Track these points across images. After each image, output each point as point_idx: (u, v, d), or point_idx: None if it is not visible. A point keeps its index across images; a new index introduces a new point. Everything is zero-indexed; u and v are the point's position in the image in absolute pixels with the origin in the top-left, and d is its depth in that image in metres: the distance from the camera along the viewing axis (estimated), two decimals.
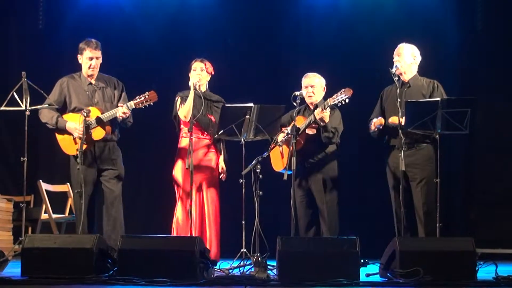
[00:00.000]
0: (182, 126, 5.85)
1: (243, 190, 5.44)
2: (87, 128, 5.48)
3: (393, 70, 5.56)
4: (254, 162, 5.40)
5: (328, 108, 5.66)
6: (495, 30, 7.94)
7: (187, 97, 5.74)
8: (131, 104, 5.55)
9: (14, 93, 5.43)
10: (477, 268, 4.44)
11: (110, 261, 4.57)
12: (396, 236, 5.31)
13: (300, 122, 5.84)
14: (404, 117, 5.40)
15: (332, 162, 5.95)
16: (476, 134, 7.17)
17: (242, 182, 5.45)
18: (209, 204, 5.73)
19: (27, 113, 5.48)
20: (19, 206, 6.21)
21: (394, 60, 5.77)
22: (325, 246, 4.54)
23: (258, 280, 4.44)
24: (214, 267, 4.98)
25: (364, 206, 7.64)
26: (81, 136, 5.42)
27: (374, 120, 5.78)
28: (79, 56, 5.75)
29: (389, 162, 5.79)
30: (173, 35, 8.21)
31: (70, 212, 7.46)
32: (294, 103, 5.56)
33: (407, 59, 5.77)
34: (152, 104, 5.56)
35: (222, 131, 5.47)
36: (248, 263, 5.15)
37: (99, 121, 5.52)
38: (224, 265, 5.30)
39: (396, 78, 5.55)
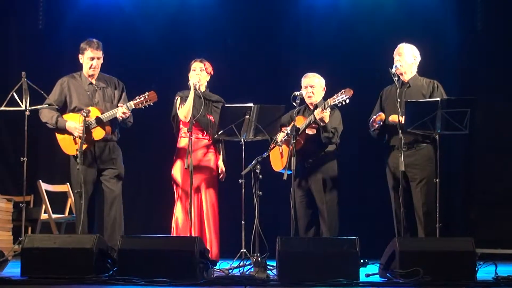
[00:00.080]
0: (181, 126, 5.85)
1: (243, 190, 5.44)
2: (87, 128, 5.48)
3: (393, 70, 5.56)
4: (254, 162, 5.40)
5: (328, 108, 5.66)
6: (495, 30, 7.93)
7: (187, 97, 5.74)
8: (131, 104, 5.55)
9: (14, 93, 5.44)
10: (477, 268, 4.44)
11: (110, 261, 4.57)
12: (396, 236, 5.31)
13: (300, 122, 5.84)
14: (404, 117, 5.40)
15: (332, 162, 5.95)
16: (476, 134, 7.16)
17: (241, 182, 5.45)
18: (208, 205, 5.73)
19: (27, 113, 5.48)
20: (19, 206, 6.22)
21: (394, 60, 5.77)
22: (325, 246, 4.54)
23: (258, 280, 4.44)
24: (214, 267, 4.99)
25: (364, 206, 7.64)
26: (81, 135, 5.42)
27: (374, 116, 5.77)
28: (80, 56, 5.75)
29: (389, 162, 5.79)
30: (173, 35, 8.21)
31: (70, 212, 7.46)
32: (294, 103, 5.56)
33: (408, 59, 5.77)
34: (152, 104, 5.56)
35: (221, 131, 5.47)
36: (248, 263, 5.16)
37: (99, 121, 5.52)
38: (224, 265, 5.30)
39: (396, 78, 5.55)
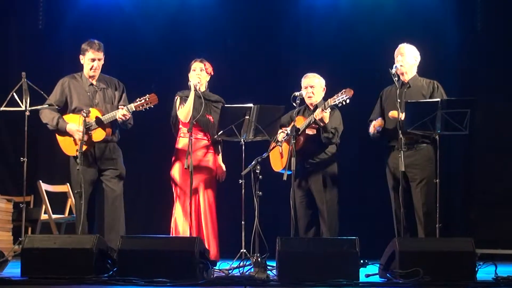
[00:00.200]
0: (180, 126, 5.85)
1: (243, 190, 5.44)
2: (88, 129, 5.48)
3: (393, 70, 5.56)
4: (253, 162, 5.40)
5: (328, 108, 5.66)
6: (495, 30, 7.93)
7: (186, 97, 5.74)
8: (132, 106, 5.55)
9: (14, 94, 5.44)
10: (476, 269, 4.44)
11: (110, 261, 4.57)
12: (396, 237, 5.30)
13: (300, 122, 5.84)
14: (403, 115, 5.40)
15: (332, 162, 5.95)
16: (476, 134, 7.17)
17: (241, 182, 5.45)
18: (206, 205, 5.73)
19: (27, 113, 5.48)
20: (19, 207, 6.22)
21: (396, 59, 5.77)
22: (325, 246, 4.54)
23: (258, 281, 4.44)
24: (214, 267, 4.99)
25: (364, 207, 7.64)
26: (81, 137, 5.41)
27: (374, 122, 5.77)
28: (81, 57, 5.75)
29: (389, 162, 5.79)
30: (173, 35, 8.21)
31: (70, 212, 7.46)
32: (294, 104, 5.56)
33: (409, 60, 5.77)
34: (152, 106, 5.57)
35: (221, 131, 5.47)
36: (247, 263, 5.16)
37: (99, 122, 5.52)
38: (223, 266, 5.30)
39: (396, 78, 5.55)
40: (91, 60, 5.68)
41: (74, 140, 5.57)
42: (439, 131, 5.30)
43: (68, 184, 6.98)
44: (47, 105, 5.64)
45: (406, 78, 5.79)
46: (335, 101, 5.58)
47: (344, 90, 5.54)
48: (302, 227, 5.97)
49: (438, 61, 7.46)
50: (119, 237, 4.61)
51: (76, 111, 5.64)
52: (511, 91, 7.71)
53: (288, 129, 5.68)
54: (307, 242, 4.72)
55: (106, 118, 5.54)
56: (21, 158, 5.54)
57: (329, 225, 5.83)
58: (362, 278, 4.44)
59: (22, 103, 5.46)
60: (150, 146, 7.96)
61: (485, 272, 4.66)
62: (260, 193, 5.37)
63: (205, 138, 5.82)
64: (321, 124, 5.72)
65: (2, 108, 5.53)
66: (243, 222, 5.45)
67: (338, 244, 4.49)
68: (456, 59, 7.97)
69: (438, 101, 5.30)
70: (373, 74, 7.27)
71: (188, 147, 5.40)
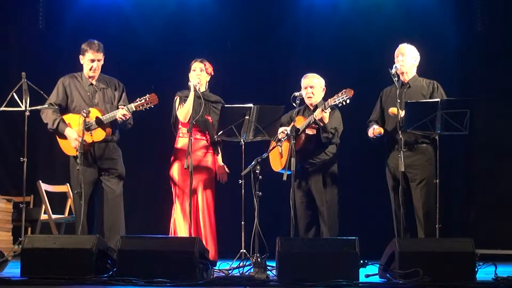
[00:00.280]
0: (180, 126, 5.85)
1: (243, 190, 5.44)
2: (88, 129, 5.48)
3: (393, 70, 5.56)
4: (253, 163, 5.40)
5: (328, 108, 5.67)
6: (494, 31, 7.93)
7: (186, 97, 5.74)
8: (132, 106, 5.56)
9: (14, 94, 5.44)
10: (476, 269, 4.44)
11: (109, 261, 4.57)
12: (396, 237, 5.29)
13: (300, 122, 5.84)
14: (403, 112, 5.40)
15: (332, 162, 5.96)
16: (476, 134, 7.17)
17: (241, 182, 5.45)
18: (205, 205, 5.73)
19: (27, 113, 5.48)
20: (19, 207, 6.22)
21: (396, 59, 5.77)
22: (325, 246, 4.54)
23: (258, 281, 4.43)
24: (214, 267, 4.98)
25: (363, 207, 7.64)
26: (79, 146, 5.40)
27: (374, 127, 5.77)
28: (80, 57, 5.75)
29: (389, 163, 5.79)
30: (172, 35, 8.21)
31: (70, 212, 7.45)
32: (294, 104, 5.56)
33: (410, 60, 5.78)
34: (152, 106, 5.57)
35: (221, 131, 5.47)
36: (247, 263, 5.16)
37: (99, 122, 5.52)
38: (223, 266, 5.30)
39: (396, 78, 5.55)
40: (91, 60, 5.69)
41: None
42: (439, 131, 5.30)
43: (68, 184, 6.97)
44: (47, 105, 5.64)
45: (406, 78, 5.80)
46: (335, 101, 5.58)
47: (344, 90, 5.55)
48: (302, 227, 5.97)
49: (438, 61, 7.47)
50: (119, 237, 4.61)
51: (76, 111, 5.65)
52: (511, 91, 7.71)
53: (288, 129, 5.68)
54: (307, 243, 4.72)
55: (106, 118, 5.54)
56: (21, 158, 5.54)
57: (329, 225, 5.83)
58: (362, 278, 4.44)
59: (22, 103, 5.46)
60: (150, 146, 7.96)
61: (485, 273, 4.66)
62: (260, 193, 5.36)
63: (204, 138, 5.82)
64: (321, 124, 5.73)
65: (2, 108, 5.53)
66: (243, 222, 5.44)
67: (338, 244, 4.49)
68: (456, 59, 7.97)
69: (438, 101, 5.30)
70: (372, 74, 7.27)
71: (188, 147, 5.40)
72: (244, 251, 5.40)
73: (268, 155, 5.78)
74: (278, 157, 5.95)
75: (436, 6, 8.03)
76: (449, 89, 5.98)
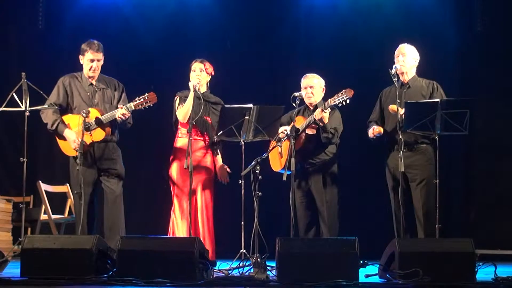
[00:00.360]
0: (179, 126, 5.85)
1: (243, 191, 5.44)
2: (87, 129, 5.48)
3: (393, 71, 5.56)
4: (253, 163, 5.40)
5: (328, 108, 5.67)
6: (494, 31, 7.93)
7: (186, 97, 5.74)
8: (131, 105, 5.55)
9: (14, 94, 5.44)
10: (476, 269, 4.44)
11: (109, 261, 4.58)
12: (396, 237, 5.31)
13: (300, 122, 5.84)
14: (403, 111, 5.40)
15: (332, 162, 5.96)
16: (476, 134, 7.17)
17: (241, 183, 5.45)
18: (203, 205, 5.73)
19: (27, 114, 5.48)
20: (19, 207, 6.22)
21: (397, 59, 5.77)
22: (325, 247, 4.54)
23: (258, 281, 4.44)
24: (213, 267, 4.98)
25: (363, 207, 7.64)
26: (78, 148, 5.40)
27: (374, 127, 5.78)
28: (80, 57, 5.75)
29: (389, 163, 5.80)
30: (172, 35, 8.21)
31: (70, 212, 7.46)
32: (294, 104, 5.56)
33: (410, 60, 5.78)
34: (151, 105, 5.57)
35: (221, 132, 5.47)
36: (247, 264, 5.16)
37: (98, 122, 5.52)
38: (223, 266, 5.30)
39: (396, 79, 5.55)
40: (90, 60, 5.69)
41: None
42: (438, 132, 5.30)
43: (67, 184, 6.97)
44: (47, 105, 5.64)
45: (406, 78, 5.80)
46: (335, 101, 5.58)
47: (344, 90, 5.55)
48: (302, 227, 5.97)
49: (438, 61, 7.47)
50: (119, 237, 4.61)
51: (75, 111, 5.65)
52: (511, 91, 7.71)
53: (288, 129, 5.68)
54: (307, 243, 4.72)
55: (105, 117, 5.54)
56: (21, 159, 5.54)
57: (329, 226, 5.83)
58: (361, 278, 4.44)
59: (22, 104, 5.46)
60: (149, 146, 7.96)
61: (484, 273, 4.66)
62: (260, 193, 5.36)
63: (203, 139, 5.82)
64: (321, 124, 5.73)
65: (2, 109, 5.53)
66: (242, 223, 5.44)
67: (338, 244, 4.49)
68: (456, 59, 7.97)
69: (437, 101, 5.30)
70: (372, 74, 7.26)
71: (188, 148, 5.40)
72: (244, 251, 5.40)
73: (268, 155, 5.77)
74: (278, 157, 5.95)
75: (436, 6, 8.03)
76: (449, 89, 5.98)
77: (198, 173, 5.72)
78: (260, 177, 5.35)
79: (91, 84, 5.75)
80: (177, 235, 5.64)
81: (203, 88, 5.83)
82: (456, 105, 5.27)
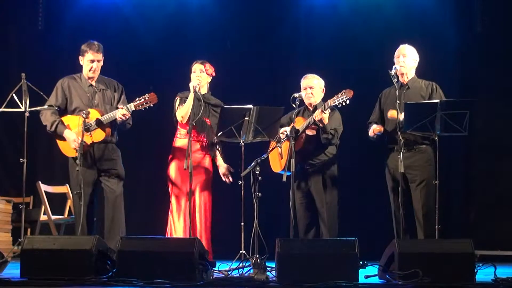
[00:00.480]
0: (178, 126, 5.86)
1: (242, 191, 5.44)
2: (87, 130, 5.48)
3: (392, 71, 5.56)
4: (253, 163, 5.39)
5: (328, 109, 5.66)
6: (494, 31, 7.93)
7: (187, 98, 5.75)
8: (131, 106, 5.56)
9: (14, 95, 5.44)
10: (476, 270, 4.44)
11: (109, 262, 4.57)
12: (395, 238, 5.31)
13: (300, 123, 5.84)
14: (402, 115, 5.40)
15: (332, 163, 5.96)
16: (476, 134, 7.17)
17: (241, 183, 5.45)
18: (202, 206, 5.74)
19: (27, 114, 5.48)
20: (18, 207, 6.22)
21: (397, 60, 5.77)
22: (324, 247, 4.53)
23: (257, 282, 4.44)
24: (213, 268, 4.98)
25: (363, 208, 7.64)
26: (78, 148, 5.40)
27: (374, 126, 5.78)
28: (80, 58, 5.75)
29: (388, 164, 5.80)
30: (172, 35, 8.21)
31: (69, 213, 7.45)
32: (293, 105, 5.56)
33: (411, 61, 5.78)
34: (152, 106, 5.57)
35: (221, 132, 5.47)
36: (247, 264, 5.16)
37: (99, 123, 5.52)
38: (223, 267, 5.30)
39: (395, 80, 5.55)
40: (90, 61, 5.68)
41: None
42: (438, 133, 5.30)
43: (67, 185, 6.97)
44: (47, 106, 5.63)
45: (406, 79, 5.80)
46: (335, 102, 5.58)
47: (344, 91, 5.54)
48: (302, 228, 5.97)
49: (438, 62, 7.48)
50: (119, 238, 4.61)
51: (75, 112, 5.65)
52: (511, 91, 7.71)
53: (288, 129, 5.68)
54: (306, 243, 4.72)
55: (105, 118, 5.54)
56: (21, 159, 5.54)
57: (329, 226, 5.83)
58: (361, 279, 4.44)
59: (22, 104, 5.46)
60: (149, 147, 7.95)
61: (484, 274, 4.65)
62: (260, 194, 5.36)
63: (202, 140, 5.82)
64: (321, 125, 5.72)
65: (2, 109, 5.53)
66: (242, 223, 5.44)
67: (337, 245, 4.49)
68: (456, 59, 7.97)
69: (437, 102, 5.30)
70: (372, 75, 7.27)
71: (188, 148, 5.40)
72: (244, 252, 5.40)
73: (268, 156, 5.77)
74: (278, 158, 5.96)
75: (436, 6, 8.03)
76: (449, 89, 5.99)
77: (197, 174, 5.72)
78: (260, 178, 5.35)
79: (91, 85, 5.75)
80: (175, 236, 5.64)
81: (204, 90, 5.83)
82: (456, 106, 5.27)
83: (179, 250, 4.45)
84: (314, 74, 6.07)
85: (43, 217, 7.23)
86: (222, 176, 5.89)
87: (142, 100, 5.55)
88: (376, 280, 4.65)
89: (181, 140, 5.80)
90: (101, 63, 5.75)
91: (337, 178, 5.96)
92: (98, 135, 5.56)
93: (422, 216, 5.58)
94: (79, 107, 5.64)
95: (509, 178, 7.64)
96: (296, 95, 5.60)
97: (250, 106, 5.45)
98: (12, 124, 7.21)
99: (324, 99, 5.93)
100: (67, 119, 5.66)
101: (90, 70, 5.69)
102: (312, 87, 5.99)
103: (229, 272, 4.97)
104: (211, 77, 5.90)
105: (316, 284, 4.18)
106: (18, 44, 8.38)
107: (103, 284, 4.31)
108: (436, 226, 5.34)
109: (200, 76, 5.79)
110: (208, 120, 5.82)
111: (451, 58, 7.95)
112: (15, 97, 5.45)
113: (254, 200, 5.35)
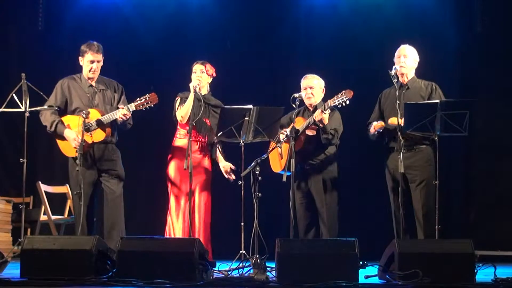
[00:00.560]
0: (178, 127, 5.86)
1: (242, 191, 5.44)
2: (87, 130, 5.48)
3: (392, 72, 5.56)
4: (253, 164, 5.39)
5: (328, 109, 5.66)
6: (494, 31, 7.93)
7: (187, 98, 5.75)
8: (132, 106, 5.56)
9: (14, 95, 5.44)
10: (476, 270, 4.44)
11: (109, 262, 4.57)
12: (395, 238, 5.31)
13: (300, 123, 5.84)
14: (403, 119, 5.40)
15: (332, 163, 5.96)
16: (476, 134, 7.17)
17: (241, 183, 5.45)
18: (201, 206, 5.74)
19: (27, 114, 5.48)
20: (18, 208, 6.22)
21: (398, 60, 5.77)
22: (324, 248, 4.54)
23: (257, 282, 4.44)
24: (213, 268, 4.98)
25: (363, 208, 7.64)
26: (78, 147, 5.40)
27: (375, 123, 5.78)
28: (80, 58, 5.75)
29: (388, 164, 5.80)
30: (172, 36, 8.21)
31: (69, 213, 7.45)
32: (293, 105, 5.56)
33: (411, 61, 5.78)
34: (152, 106, 5.57)
35: (221, 132, 5.47)
36: (247, 264, 5.16)
37: (99, 124, 5.52)
38: (223, 267, 5.30)
39: (395, 80, 5.55)
40: (90, 62, 5.68)
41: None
42: (438, 133, 5.30)
43: (67, 185, 6.97)
44: (47, 107, 5.63)
45: (405, 79, 5.80)
46: (335, 102, 5.58)
47: (344, 91, 5.54)
48: (302, 228, 5.97)
49: (438, 62, 7.48)
50: (119, 238, 4.61)
51: (75, 112, 5.65)
52: (511, 91, 7.71)
53: (288, 130, 5.68)
54: (306, 244, 4.73)
55: (106, 118, 5.55)
56: (21, 159, 5.54)
57: (329, 226, 5.83)
58: (361, 279, 4.44)
59: (22, 104, 5.46)
60: (149, 147, 7.95)
61: (484, 274, 4.65)
62: (260, 194, 5.36)
63: (201, 140, 5.82)
64: (321, 125, 5.72)
65: (2, 109, 5.53)
66: (242, 223, 5.44)
67: (337, 245, 4.49)
68: (456, 59, 7.97)
69: (437, 102, 5.30)
70: (372, 75, 7.27)
71: (188, 149, 5.40)
72: (244, 252, 5.40)
73: (268, 156, 5.77)
74: (278, 158, 5.96)
75: (436, 6, 8.03)
76: (449, 89, 5.99)
77: (197, 174, 5.72)
78: (260, 178, 5.35)
79: (91, 85, 5.75)
80: (174, 236, 5.64)
81: (204, 90, 5.83)
82: (456, 106, 5.27)
83: (179, 250, 4.45)
84: (314, 74, 6.07)
85: (43, 217, 7.23)
86: (224, 173, 5.89)
87: (143, 100, 5.55)
88: (376, 280, 4.65)
89: (180, 140, 5.81)
90: (101, 63, 5.75)
91: (337, 178, 5.96)
92: (98, 135, 5.56)
93: (422, 216, 5.58)
94: (79, 107, 5.64)
95: (509, 178, 7.64)
96: (296, 95, 5.60)
97: (250, 106, 5.45)
98: (12, 124, 7.21)
99: (324, 99, 5.93)
100: (67, 119, 5.66)
101: (90, 70, 5.69)
102: (312, 87, 5.99)
103: (229, 272, 4.97)
104: (211, 78, 5.90)
105: (316, 284, 4.18)
106: (18, 44, 8.38)
107: (103, 284, 4.31)
108: (436, 226, 5.34)
109: (201, 77, 5.79)
110: (208, 121, 5.82)
111: (451, 58, 7.95)
112: (15, 97, 5.45)
113: (254, 200, 5.35)
